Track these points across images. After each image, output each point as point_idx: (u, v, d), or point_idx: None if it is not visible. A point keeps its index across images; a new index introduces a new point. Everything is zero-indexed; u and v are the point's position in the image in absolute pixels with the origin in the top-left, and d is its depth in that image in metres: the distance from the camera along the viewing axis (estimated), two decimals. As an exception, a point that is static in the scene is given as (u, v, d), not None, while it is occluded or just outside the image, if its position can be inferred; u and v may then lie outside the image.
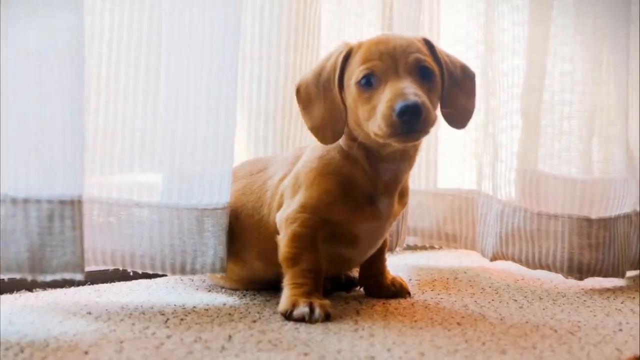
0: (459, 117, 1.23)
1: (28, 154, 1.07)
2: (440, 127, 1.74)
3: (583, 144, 1.57)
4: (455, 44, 1.74)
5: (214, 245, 1.25)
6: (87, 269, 1.35)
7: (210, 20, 1.23)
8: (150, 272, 1.27)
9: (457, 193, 1.73)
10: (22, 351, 0.95)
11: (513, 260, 1.57)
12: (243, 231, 1.28)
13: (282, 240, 1.21)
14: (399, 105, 1.08)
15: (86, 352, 0.95)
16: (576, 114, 1.57)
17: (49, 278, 1.08)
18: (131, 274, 1.33)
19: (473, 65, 1.66)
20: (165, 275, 1.41)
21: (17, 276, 1.08)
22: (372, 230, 1.23)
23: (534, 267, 1.55)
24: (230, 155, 1.27)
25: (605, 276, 1.52)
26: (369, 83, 1.14)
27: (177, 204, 1.25)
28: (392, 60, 1.14)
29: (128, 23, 1.27)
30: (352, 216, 1.21)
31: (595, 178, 1.57)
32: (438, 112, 1.20)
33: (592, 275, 1.51)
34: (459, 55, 1.70)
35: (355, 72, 1.16)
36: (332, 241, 1.23)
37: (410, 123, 1.08)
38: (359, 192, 1.21)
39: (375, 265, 1.35)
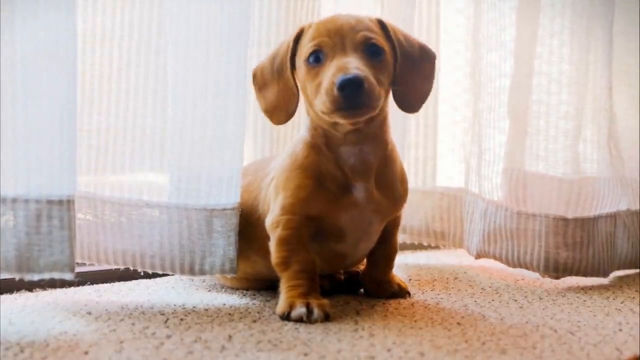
0: (411, 99, 1.24)
1: (17, 153, 1.07)
2: (439, 125, 1.76)
3: (566, 144, 1.57)
4: (453, 43, 1.74)
5: (223, 246, 1.26)
6: (89, 269, 1.37)
7: (216, 18, 1.23)
8: (160, 272, 1.27)
9: (445, 191, 1.73)
10: (22, 351, 0.95)
11: (495, 258, 1.57)
12: (246, 227, 1.28)
13: (271, 246, 1.21)
14: (339, 79, 1.09)
15: (86, 352, 0.95)
16: (555, 114, 1.57)
17: (36, 277, 1.08)
18: (132, 271, 1.33)
19: (471, 64, 1.68)
20: (167, 275, 1.41)
21: (5, 275, 1.09)
22: (354, 220, 1.22)
23: (514, 266, 1.55)
24: (240, 155, 1.27)
25: (584, 275, 1.52)
26: (317, 60, 1.16)
27: (185, 204, 1.25)
28: (339, 37, 1.15)
29: (138, 22, 1.28)
30: (330, 207, 1.20)
31: (575, 178, 1.57)
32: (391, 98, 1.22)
33: (570, 274, 1.51)
34: (457, 55, 1.73)
35: (304, 50, 1.17)
36: (320, 238, 1.23)
37: (352, 98, 1.09)
38: (330, 181, 1.20)
39: (381, 266, 1.34)
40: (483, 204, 1.59)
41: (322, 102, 1.12)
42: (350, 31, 1.16)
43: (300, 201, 1.20)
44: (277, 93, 1.23)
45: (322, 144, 1.22)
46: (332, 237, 1.23)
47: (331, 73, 1.12)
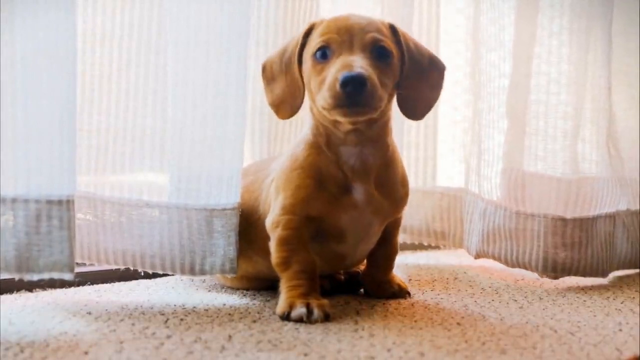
0: (416, 106, 1.24)
1: (17, 153, 1.07)
2: (439, 125, 1.76)
3: (565, 144, 1.57)
4: (453, 43, 1.74)
5: (223, 246, 1.26)
6: (89, 269, 1.37)
7: (216, 18, 1.23)
8: (161, 272, 1.28)
9: (445, 191, 1.73)
10: (22, 351, 0.95)
11: (494, 258, 1.57)
12: (247, 227, 1.29)
13: (272, 246, 1.21)
14: (342, 75, 1.09)
15: (86, 352, 0.95)
16: (554, 114, 1.56)
17: (36, 277, 1.08)
18: (132, 271, 1.33)
19: (470, 64, 1.68)
20: (167, 275, 1.41)
21: (5, 275, 1.09)
22: (354, 221, 1.22)
23: (513, 266, 1.55)
24: (240, 155, 1.27)
25: (582, 275, 1.52)
26: (324, 55, 1.16)
27: (185, 204, 1.25)
28: (348, 36, 1.16)
29: (138, 22, 1.27)
30: (330, 208, 1.20)
31: (574, 178, 1.56)
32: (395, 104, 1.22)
33: (568, 274, 1.52)
34: (457, 55, 1.73)
35: (312, 44, 1.18)
36: (320, 238, 1.23)
37: (353, 95, 1.09)
38: (330, 182, 1.20)
39: (381, 267, 1.34)
40: (482, 204, 1.59)
41: (323, 97, 1.13)
42: (360, 31, 1.16)
43: (300, 201, 1.20)
44: (284, 87, 1.23)
45: (323, 143, 1.22)
46: (332, 237, 1.23)
47: (335, 69, 1.12)
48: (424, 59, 1.25)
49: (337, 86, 1.10)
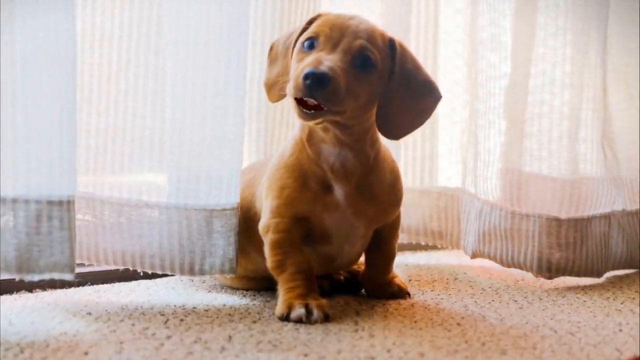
0: (396, 125, 1.21)
1: (17, 153, 1.07)
2: (438, 126, 1.76)
3: (562, 145, 1.57)
4: (452, 43, 1.74)
5: (222, 246, 1.26)
6: (89, 269, 1.37)
7: (216, 18, 1.23)
8: (160, 272, 1.28)
9: (443, 191, 1.73)
10: (22, 352, 0.95)
11: (489, 258, 1.58)
12: (246, 223, 1.29)
13: (265, 251, 1.21)
14: (307, 69, 1.09)
15: (86, 353, 0.95)
16: (551, 115, 1.57)
17: (36, 278, 1.08)
18: (132, 272, 1.33)
19: (467, 65, 1.68)
20: (167, 276, 1.41)
21: (5, 275, 1.09)
22: (337, 221, 1.21)
23: (508, 266, 1.56)
24: (239, 155, 1.27)
25: (577, 275, 1.53)
26: (310, 46, 1.16)
27: (185, 204, 1.25)
28: (339, 35, 1.15)
29: (137, 22, 1.27)
30: (313, 206, 1.20)
31: (570, 178, 1.57)
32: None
33: (563, 274, 1.52)
34: (456, 56, 1.73)
35: (306, 33, 1.18)
36: (307, 240, 1.22)
37: (311, 89, 1.08)
38: (312, 180, 1.20)
39: (380, 268, 1.34)
40: (479, 203, 1.59)
41: (290, 86, 1.12)
42: (351, 34, 1.15)
43: (285, 202, 1.20)
44: (279, 70, 1.23)
45: (306, 139, 1.21)
46: (319, 238, 1.23)
47: (307, 62, 1.11)
48: (419, 82, 1.21)
49: (300, 77, 1.09)
